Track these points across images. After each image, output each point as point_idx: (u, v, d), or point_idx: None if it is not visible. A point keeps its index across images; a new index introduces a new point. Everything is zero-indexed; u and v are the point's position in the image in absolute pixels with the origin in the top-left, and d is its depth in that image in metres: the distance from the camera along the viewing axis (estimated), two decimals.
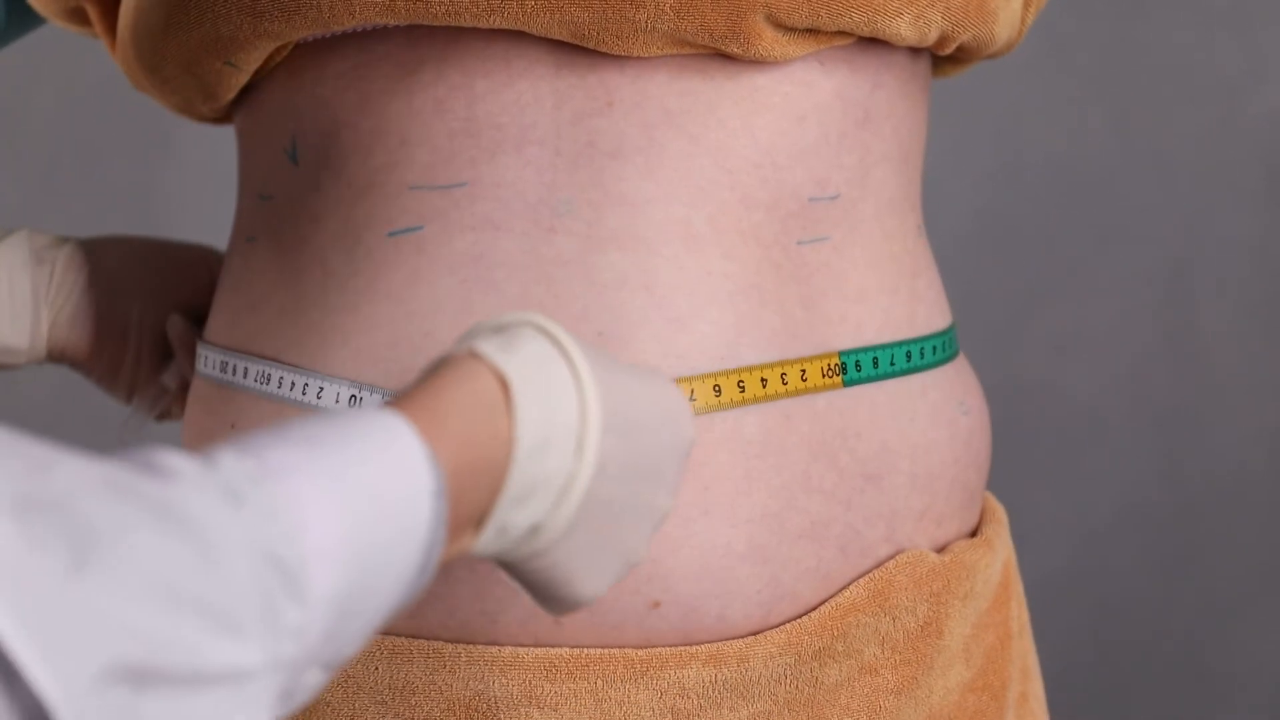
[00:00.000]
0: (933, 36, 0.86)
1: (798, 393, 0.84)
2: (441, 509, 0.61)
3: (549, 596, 0.70)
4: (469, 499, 0.63)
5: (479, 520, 0.64)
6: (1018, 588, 0.97)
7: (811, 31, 0.83)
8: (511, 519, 0.66)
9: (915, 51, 0.90)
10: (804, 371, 0.85)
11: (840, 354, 0.86)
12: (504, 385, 0.65)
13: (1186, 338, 2.09)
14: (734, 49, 0.82)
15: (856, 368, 0.86)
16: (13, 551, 0.50)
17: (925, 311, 0.91)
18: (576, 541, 0.68)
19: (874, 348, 0.87)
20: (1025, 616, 0.98)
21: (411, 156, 0.84)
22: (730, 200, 0.84)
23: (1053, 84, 2.06)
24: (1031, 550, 1.51)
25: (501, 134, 0.83)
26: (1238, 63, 2.05)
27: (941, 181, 2.09)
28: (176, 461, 0.56)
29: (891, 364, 0.87)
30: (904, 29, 0.84)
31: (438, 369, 0.65)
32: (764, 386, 0.84)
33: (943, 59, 0.93)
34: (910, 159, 0.91)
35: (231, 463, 0.56)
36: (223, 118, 0.95)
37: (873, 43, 0.86)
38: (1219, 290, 2.08)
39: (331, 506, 0.57)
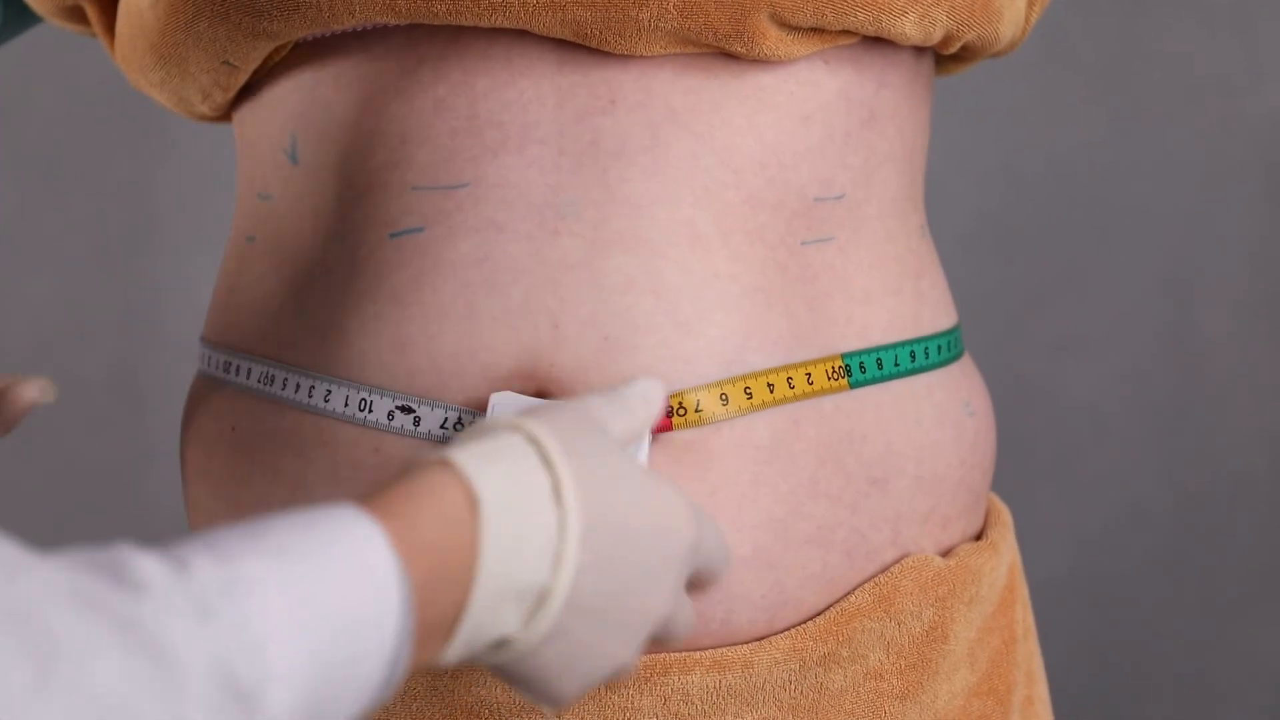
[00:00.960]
0: (937, 36, 0.86)
1: (804, 396, 0.84)
2: (409, 624, 0.60)
3: (530, 693, 0.69)
4: (436, 610, 0.62)
5: (446, 632, 0.63)
6: (1023, 591, 0.97)
7: (816, 31, 0.83)
8: (480, 633, 0.64)
9: (919, 51, 0.90)
10: (809, 375, 0.84)
11: (844, 356, 0.85)
12: (473, 502, 0.63)
13: (1187, 338, 2.09)
14: (738, 48, 0.82)
15: (861, 369, 0.86)
16: None
17: (930, 312, 0.90)
18: (555, 649, 0.66)
19: (878, 349, 0.86)
20: (1030, 620, 0.98)
21: (412, 156, 0.84)
22: (735, 200, 0.84)
23: (1054, 84, 2.06)
24: (1032, 551, 1.51)
25: (503, 133, 0.83)
26: (1238, 63, 2.05)
27: (943, 182, 2.08)
28: (148, 568, 0.55)
29: (896, 365, 0.87)
30: (909, 28, 0.84)
31: (412, 473, 0.64)
32: (771, 392, 0.83)
33: (946, 57, 0.93)
34: (914, 159, 0.91)
35: (204, 572, 0.55)
36: (222, 116, 0.94)
37: (877, 42, 0.86)
38: (1220, 290, 2.08)
39: (298, 626, 0.56)
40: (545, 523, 0.64)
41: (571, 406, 0.70)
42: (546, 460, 0.65)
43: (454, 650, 0.64)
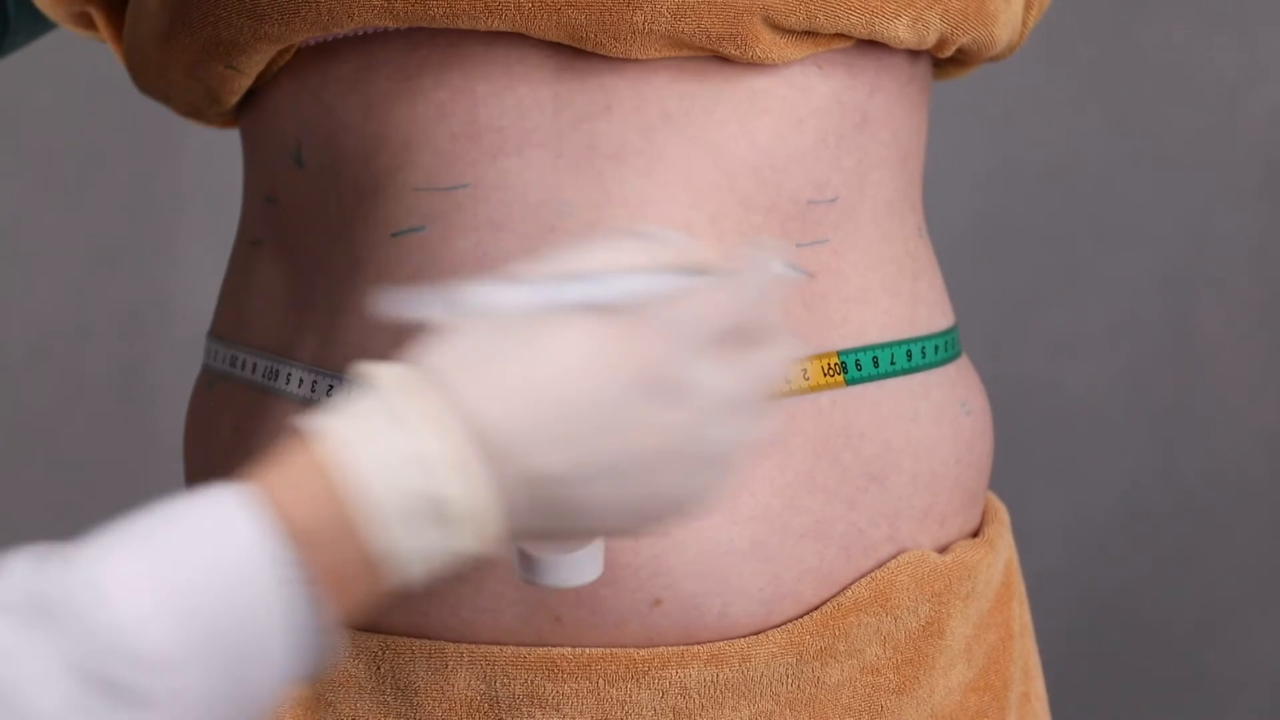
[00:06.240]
0: (931, 39, 0.86)
1: (800, 391, 0.84)
2: (295, 572, 0.60)
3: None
4: (336, 550, 0.62)
5: (369, 567, 0.63)
6: (1019, 588, 0.97)
7: (809, 34, 0.83)
8: (423, 555, 0.64)
9: (914, 54, 0.90)
10: (805, 370, 0.85)
11: (840, 353, 0.86)
12: (325, 440, 0.63)
13: (1186, 337, 2.09)
14: (731, 51, 0.82)
15: (857, 367, 0.86)
16: None
17: (927, 312, 0.91)
18: (587, 512, 0.66)
19: (875, 346, 0.87)
20: (1027, 616, 0.98)
21: (414, 160, 0.84)
22: (730, 202, 0.84)
23: (1052, 84, 2.06)
24: (1031, 550, 1.51)
25: (503, 137, 0.83)
26: (1236, 62, 2.05)
27: (940, 182, 2.08)
28: (18, 573, 0.55)
29: (892, 363, 0.87)
30: (902, 31, 0.84)
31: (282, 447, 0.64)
32: None
33: (944, 61, 0.93)
34: (909, 162, 0.91)
35: (68, 573, 0.56)
36: (229, 121, 0.95)
37: (871, 46, 0.86)
38: (1218, 289, 2.08)
39: (141, 574, 0.57)
40: (421, 444, 0.63)
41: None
42: (406, 390, 0.64)
43: (405, 575, 0.64)
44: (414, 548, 0.63)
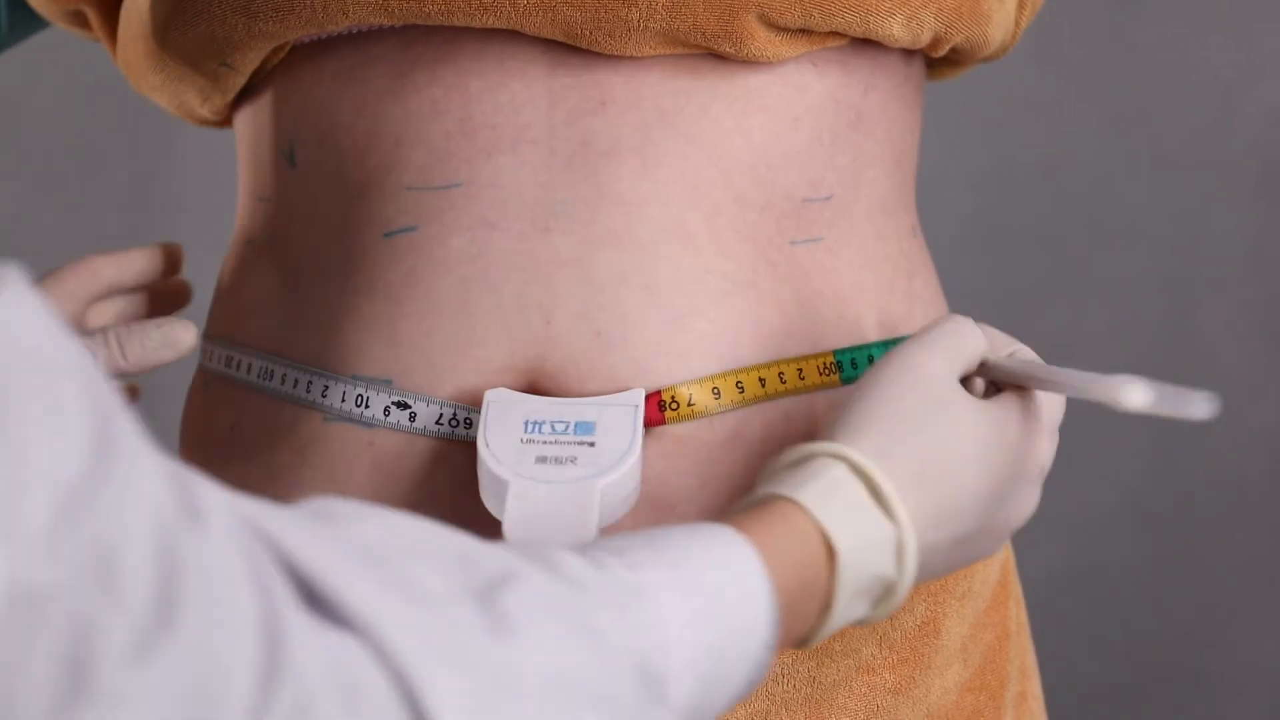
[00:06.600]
0: (926, 38, 0.86)
1: (796, 391, 0.85)
2: (776, 632, 0.69)
3: None
4: (797, 620, 0.72)
5: (803, 634, 0.73)
6: (1016, 587, 0.97)
7: (804, 32, 0.84)
8: (848, 617, 0.74)
9: (909, 54, 0.90)
10: (801, 370, 0.85)
11: (836, 353, 0.86)
12: (822, 534, 0.72)
13: (1183, 337, 2.09)
14: (726, 49, 0.82)
15: (853, 365, 0.86)
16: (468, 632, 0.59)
17: (922, 311, 0.91)
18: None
19: (870, 346, 0.87)
20: (1023, 616, 0.98)
21: (407, 158, 0.84)
22: (725, 200, 0.84)
23: (1047, 83, 2.06)
24: (1030, 549, 1.51)
25: (496, 134, 0.83)
26: (1233, 62, 2.05)
27: (936, 182, 2.08)
28: (575, 565, 0.63)
29: None
30: (896, 30, 0.85)
31: (763, 505, 0.73)
32: (763, 386, 0.84)
33: (938, 61, 0.93)
34: (903, 161, 0.91)
35: (619, 574, 0.64)
36: (223, 121, 0.95)
37: (866, 44, 0.87)
38: (1215, 289, 2.08)
39: (692, 627, 0.65)
40: (883, 534, 0.73)
41: (881, 397, 0.77)
42: (873, 489, 0.74)
43: (810, 643, 0.74)
44: (846, 618, 0.73)
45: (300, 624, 0.55)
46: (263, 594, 0.55)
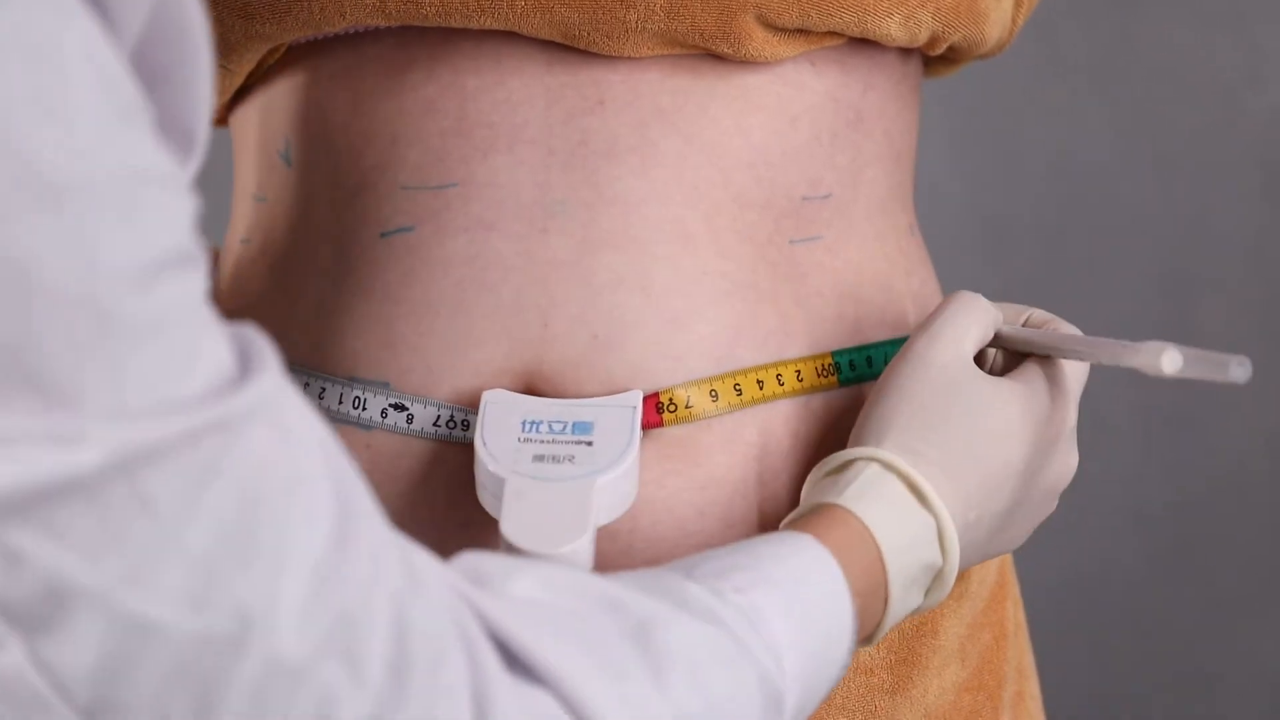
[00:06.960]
0: (923, 37, 0.86)
1: (794, 393, 0.84)
2: (855, 635, 0.74)
3: None
4: (869, 621, 0.76)
5: (869, 634, 0.77)
6: (1013, 588, 0.97)
7: (802, 32, 0.84)
8: (908, 606, 0.79)
9: (906, 52, 0.90)
10: (799, 372, 0.85)
11: (834, 354, 0.86)
12: (873, 536, 0.76)
13: (1185, 337, 2.09)
14: (724, 49, 0.82)
15: (851, 367, 0.86)
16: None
17: (919, 311, 0.91)
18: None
19: (868, 346, 0.87)
20: (1021, 616, 0.98)
21: (403, 157, 0.84)
22: (724, 199, 0.84)
23: (1050, 84, 2.06)
24: (1031, 550, 1.51)
25: (493, 133, 0.83)
26: (1236, 62, 2.05)
27: (938, 182, 2.09)
28: (702, 599, 0.68)
29: (885, 362, 0.87)
30: (894, 29, 0.85)
31: (823, 516, 0.77)
32: (760, 389, 0.84)
33: (934, 59, 0.93)
34: (902, 159, 0.91)
35: (734, 599, 0.69)
36: (219, 120, 0.95)
37: (864, 44, 0.86)
38: (1217, 289, 2.08)
39: (797, 643, 0.70)
40: (923, 524, 0.78)
41: (896, 392, 0.81)
42: (909, 484, 0.78)
43: (874, 640, 0.78)
44: (903, 610, 0.78)
45: (502, 683, 0.60)
46: (471, 656, 0.59)
